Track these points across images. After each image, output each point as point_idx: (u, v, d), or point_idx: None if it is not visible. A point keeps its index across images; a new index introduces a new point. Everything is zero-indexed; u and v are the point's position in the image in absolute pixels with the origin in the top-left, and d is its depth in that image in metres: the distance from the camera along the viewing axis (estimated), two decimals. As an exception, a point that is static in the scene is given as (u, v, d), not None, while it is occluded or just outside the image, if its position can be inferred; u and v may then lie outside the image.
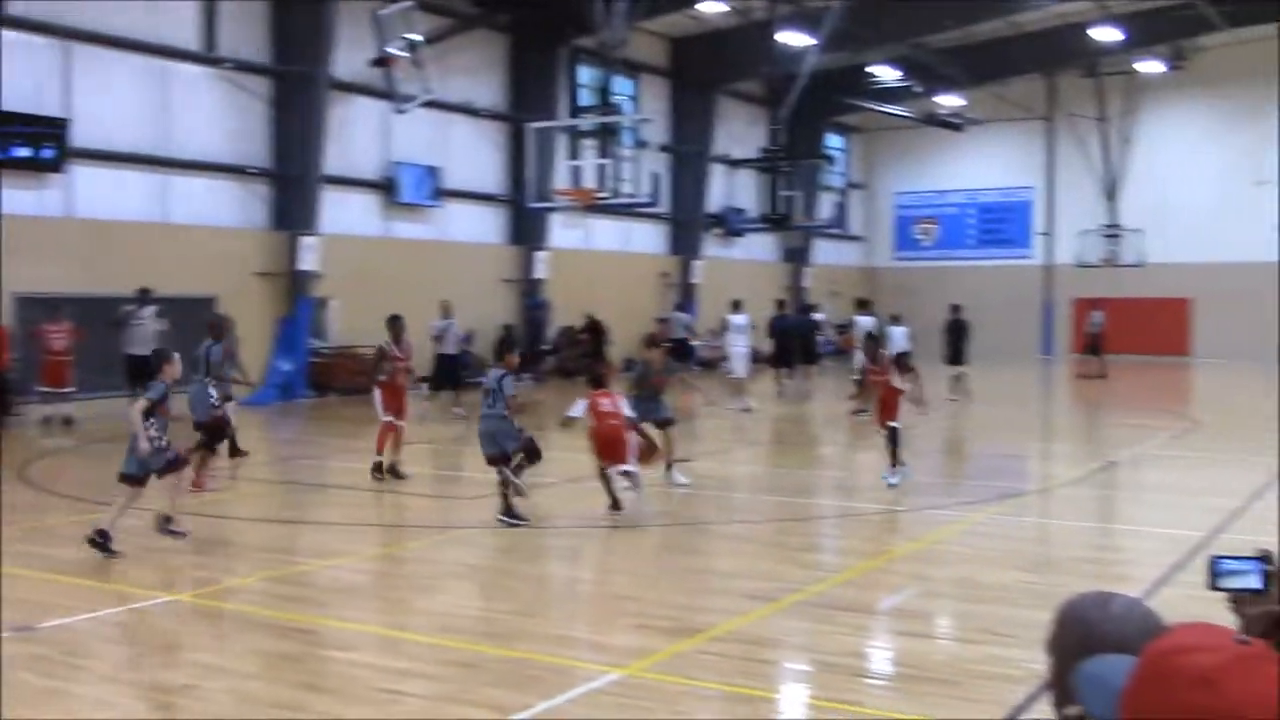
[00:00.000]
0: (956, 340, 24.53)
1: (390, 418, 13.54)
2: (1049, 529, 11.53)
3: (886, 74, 37.27)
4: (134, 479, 9.76)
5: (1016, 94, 40.32)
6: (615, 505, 11.10)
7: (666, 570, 9.60)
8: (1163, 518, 11.63)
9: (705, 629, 7.34)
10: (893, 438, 12.79)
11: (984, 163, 43.40)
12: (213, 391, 13.43)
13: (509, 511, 10.73)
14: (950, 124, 40.17)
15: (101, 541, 9.49)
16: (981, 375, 31.16)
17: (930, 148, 43.58)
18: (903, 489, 12.82)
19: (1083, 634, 2.08)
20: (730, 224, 36.97)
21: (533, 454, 11.14)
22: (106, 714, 5.94)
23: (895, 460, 12.76)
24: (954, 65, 36.84)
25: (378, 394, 13.80)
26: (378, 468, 13.48)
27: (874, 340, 14.17)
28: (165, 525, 9.85)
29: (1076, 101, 40.54)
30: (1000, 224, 43.87)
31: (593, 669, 6.58)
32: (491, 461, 10.93)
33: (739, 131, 37.09)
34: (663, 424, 13.07)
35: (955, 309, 25.47)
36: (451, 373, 21.36)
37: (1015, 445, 18.41)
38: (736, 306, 24.62)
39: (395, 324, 14.15)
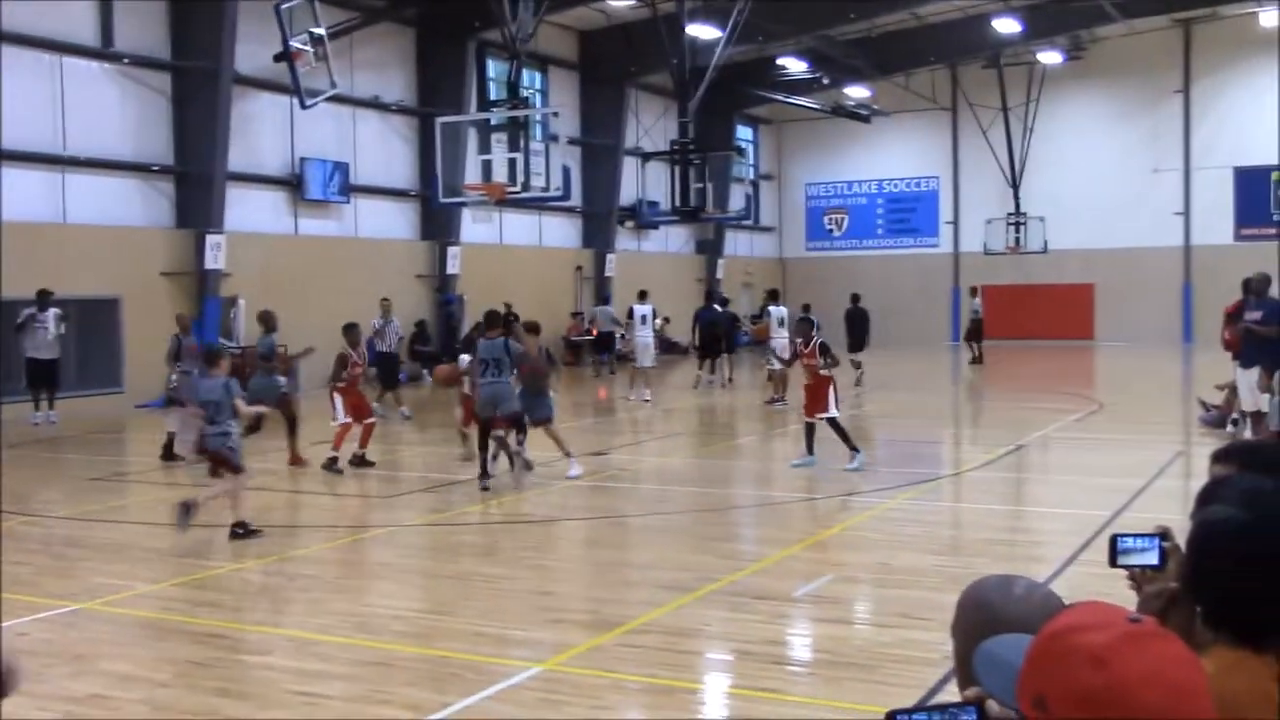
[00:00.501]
0: (856, 329, 25.30)
1: (349, 419, 14.29)
2: (961, 513, 11.73)
3: (794, 66, 37.61)
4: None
5: (921, 85, 40.92)
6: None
7: (583, 564, 9.61)
8: (1070, 498, 11.91)
9: (624, 622, 7.35)
10: (835, 426, 13.36)
11: (891, 153, 44.00)
12: (280, 379, 14.94)
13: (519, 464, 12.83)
14: (857, 115, 40.65)
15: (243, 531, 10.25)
16: (893, 362, 31.62)
17: (839, 139, 44.08)
18: (815, 476, 12.96)
19: (985, 617, 2.12)
20: (642, 217, 36.99)
21: (520, 426, 12.71)
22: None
23: (851, 446, 13.27)
24: (860, 57, 37.30)
25: (337, 398, 14.47)
26: (333, 462, 13.97)
27: (808, 323, 14.03)
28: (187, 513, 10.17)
29: (979, 92, 41.25)
30: (908, 213, 44.51)
31: (512, 665, 6.57)
32: (490, 424, 12.43)
33: (649, 124, 37.15)
34: (540, 423, 13.26)
35: (855, 298, 26.26)
36: (392, 371, 21.04)
37: (926, 431, 18.70)
38: (642, 296, 25.35)
39: (351, 331, 14.97)
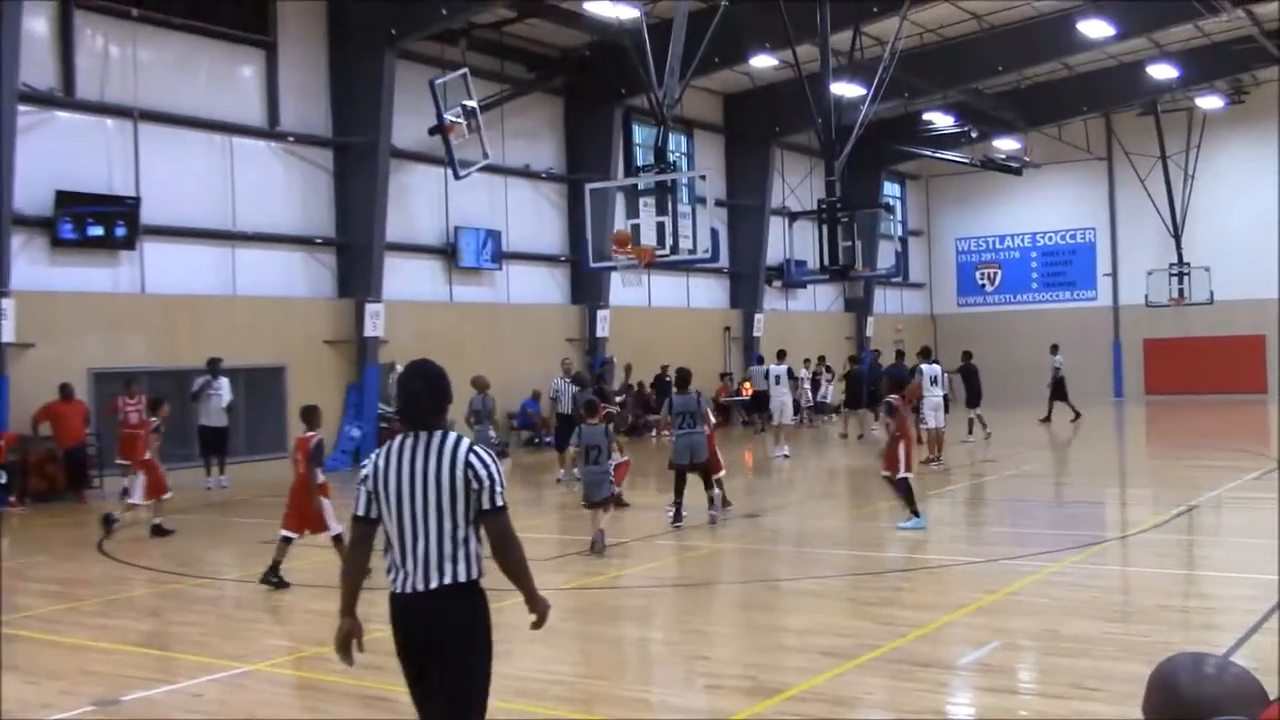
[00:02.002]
0: (971, 385, 25.54)
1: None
2: (1131, 577, 11.29)
3: (941, 120, 37.25)
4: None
5: (1074, 135, 40.07)
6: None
7: (739, 628, 9.52)
8: (1248, 562, 11.34)
9: (783, 689, 7.25)
10: (904, 487, 13.61)
11: (1044, 205, 43.10)
12: (491, 434, 17.78)
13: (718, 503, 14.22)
14: (1008, 168, 39.97)
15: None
16: (1055, 420, 30.74)
17: (989, 192, 43.39)
18: (976, 540, 12.63)
19: (1171, 698, 2.05)
20: (790, 276, 36.95)
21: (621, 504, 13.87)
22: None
23: (914, 510, 13.50)
24: (1009, 109, 36.74)
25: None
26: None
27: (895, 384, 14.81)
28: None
29: (1136, 139, 40.20)
30: (1064, 266, 43.45)
31: (672, 732, 6.52)
32: (686, 471, 13.74)
33: (795, 183, 37.18)
34: (597, 505, 13.02)
35: (966, 355, 26.43)
36: (569, 432, 21.13)
37: (1090, 491, 18.09)
38: (780, 356, 26.34)
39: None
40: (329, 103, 24.71)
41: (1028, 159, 40.01)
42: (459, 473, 4.67)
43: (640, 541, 13.53)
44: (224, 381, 20.73)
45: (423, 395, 4.86)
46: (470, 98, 24.65)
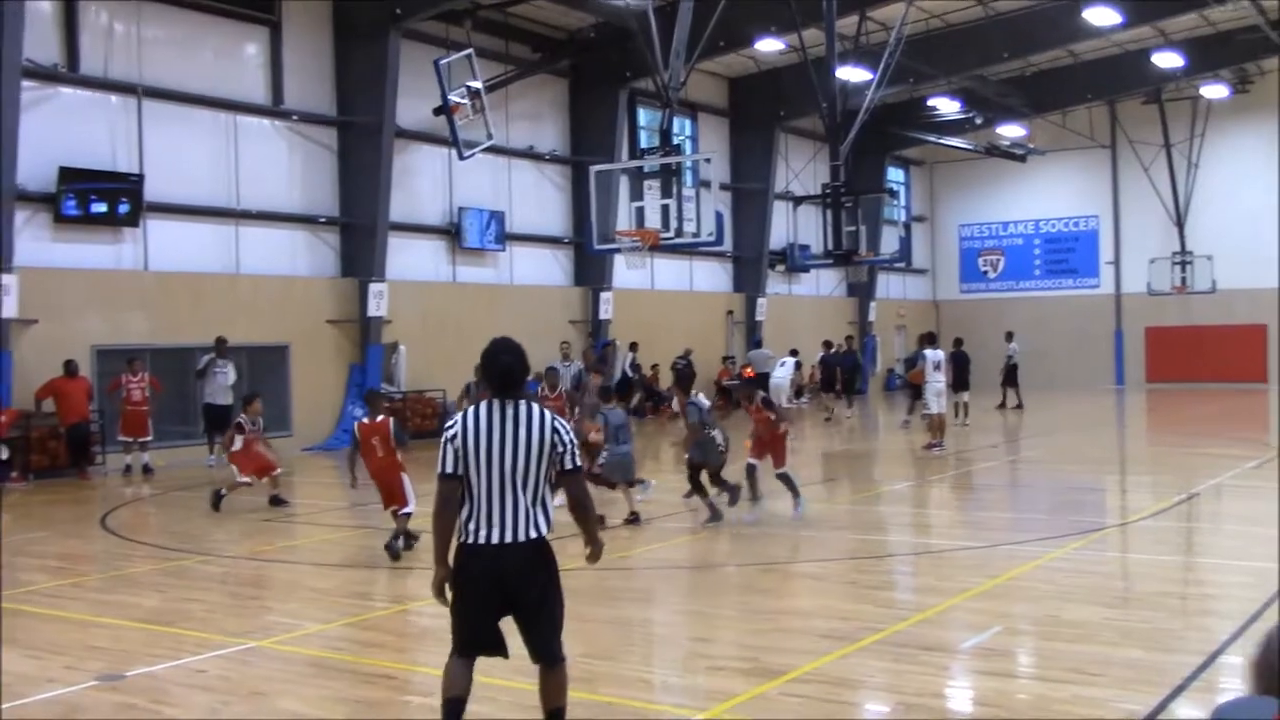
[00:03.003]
0: (960, 370, 25.39)
1: None
2: (1131, 564, 11.31)
3: (946, 106, 37.16)
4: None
5: (1078, 122, 39.99)
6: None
7: (741, 611, 9.53)
8: (1248, 550, 11.36)
9: (785, 670, 7.27)
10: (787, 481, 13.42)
11: (1048, 192, 43.05)
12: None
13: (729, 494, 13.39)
14: (1012, 154, 39.92)
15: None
16: (1051, 407, 30.78)
17: (993, 179, 43.34)
18: (977, 525, 12.64)
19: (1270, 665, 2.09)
20: (794, 261, 36.94)
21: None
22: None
23: (796, 495, 13.39)
24: (1014, 95, 36.65)
25: None
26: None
27: (750, 385, 14.73)
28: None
29: (1140, 128, 40.13)
30: (1067, 254, 43.41)
31: (674, 712, 6.55)
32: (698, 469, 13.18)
33: (800, 168, 37.13)
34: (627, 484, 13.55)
35: (957, 342, 26.70)
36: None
37: (1091, 478, 18.11)
38: (760, 343, 26.88)
39: (551, 374, 16.48)
40: (333, 82, 24.67)
41: (1032, 146, 39.96)
42: (546, 437, 5.38)
43: (641, 525, 13.54)
44: (228, 360, 20.75)
45: (514, 368, 5.52)
46: (475, 78, 24.60)
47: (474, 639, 5.61)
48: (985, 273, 45.09)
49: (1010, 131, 39.88)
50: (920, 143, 40.81)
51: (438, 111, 24.64)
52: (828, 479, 18.65)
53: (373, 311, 24.56)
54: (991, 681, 7.19)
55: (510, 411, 5.39)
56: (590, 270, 30.10)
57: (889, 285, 43.13)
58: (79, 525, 14.18)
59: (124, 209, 20.73)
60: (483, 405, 5.40)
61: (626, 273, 30.75)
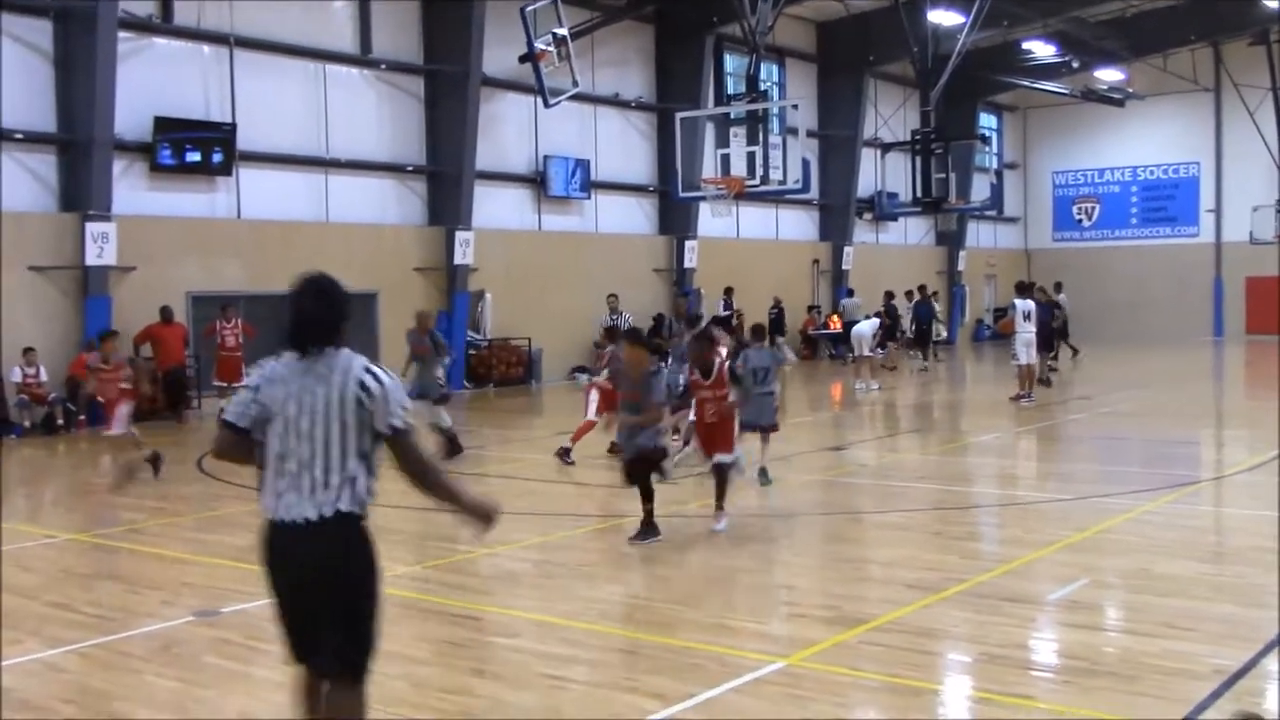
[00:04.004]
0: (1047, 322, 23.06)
1: (596, 419, 14.17)
2: (1225, 518, 11.08)
3: (1041, 50, 36.23)
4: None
5: (1180, 65, 38.75)
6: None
7: (823, 559, 9.52)
8: (1349, 506, 11.04)
9: (867, 619, 7.25)
10: (722, 474, 10.45)
11: (1146, 138, 41.88)
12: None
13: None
14: (1110, 99, 38.85)
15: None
16: (1149, 358, 30.10)
17: (1089, 124, 42.25)
18: (1066, 477, 12.43)
19: None
20: (882, 209, 36.47)
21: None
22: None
23: (721, 503, 10.36)
24: (1113, 38, 35.61)
25: (594, 394, 14.38)
26: (565, 452, 14.24)
27: (704, 341, 11.70)
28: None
29: (1246, 70, 38.77)
30: (1165, 201, 42.27)
31: (754, 659, 6.56)
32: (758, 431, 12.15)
33: (889, 114, 36.54)
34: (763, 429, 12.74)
35: (1057, 287, 26.42)
36: None
37: (1185, 431, 17.72)
38: (850, 293, 27.66)
39: (613, 332, 15.89)
40: (420, 31, 24.75)
41: (1131, 90, 38.82)
42: (350, 393, 4.38)
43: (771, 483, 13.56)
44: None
45: (321, 317, 4.56)
46: (561, 25, 24.52)
47: (292, 642, 4.54)
48: (1079, 221, 44.10)
49: (1108, 75, 38.77)
50: (1013, 87, 39.87)
51: (524, 59, 24.63)
52: (913, 430, 18.48)
53: (459, 260, 24.76)
54: (1078, 634, 7.10)
55: (314, 365, 4.43)
56: (675, 219, 29.99)
57: (979, 234, 42.40)
58: (176, 467, 14.54)
59: (217, 158, 21.08)
60: (285, 358, 4.52)
61: (711, 221, 30.63)
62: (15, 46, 19.07)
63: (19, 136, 19.09)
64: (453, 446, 14.86)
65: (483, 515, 4.76)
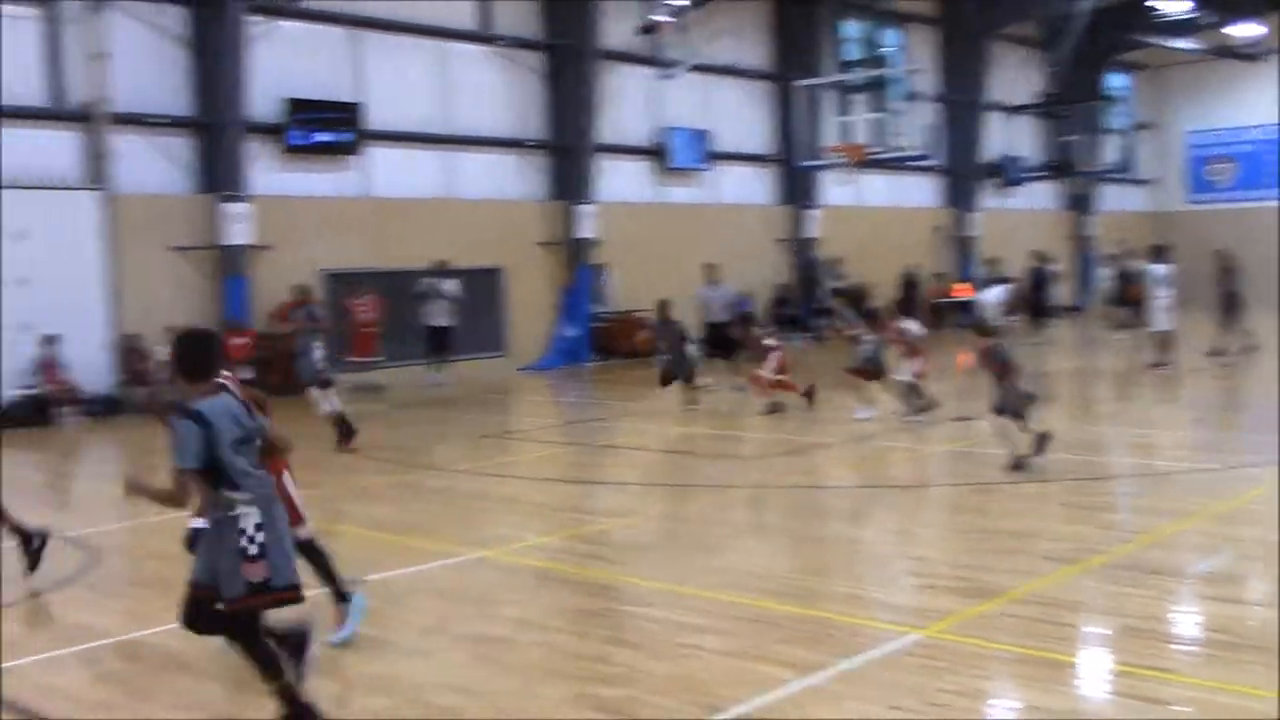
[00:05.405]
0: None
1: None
2: (1377, 488, 10.66)
3: (1173, 6, 34.92)
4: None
5: (1325, 17, 37.02)
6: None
7: (955, 530, 9.45)
8: None
9: (1003, 591, 7.20)
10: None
11: (1289, 94, 40.10)
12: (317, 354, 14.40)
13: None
14: (1246, 55, 37.33)
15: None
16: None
17: (1225, 82, 40.64)
18: (1208, 446, 12.10)
19: None
20: (1008, 174, 35.72)
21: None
22: (430, 663, 6.37)
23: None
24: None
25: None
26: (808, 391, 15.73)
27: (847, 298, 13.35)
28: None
29: (1397, 21, 36.86)
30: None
31: (889, 630, 6.56)
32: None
33: (1014, 77, 35.67)
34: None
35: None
36: (722, 341, 19.18)
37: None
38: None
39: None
40: (540, 6, 24.92)
41: (1269, 45, 37.23)
42: None
43: (855, 443, 13.52)
44: (451, 283, 21.43)
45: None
46: (679, -4, 24.46)
47: None
48: (1215, 182, 42.55)
49: (1245, 30, 37.20)
50: (1145, 46, 38.51)
51: (642, 31, 24.66)
52: (1046, 398, 18.11)
53: (582, 233, 24.97)
54: (1221, 607, 6.95)
55: None
56: (796, 188, 29.77)
57: (1110, 198, 41.22)
58: (317, 440, 14.93)
59: (346, 138, 21.58)
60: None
61: (833, 189, 30.34)
62: (149, 32, 19.74)
63: (155, 120, 19.79)
64: (344, 430, 14.15)
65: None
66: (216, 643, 6.87)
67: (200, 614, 5.33)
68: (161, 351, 19.22)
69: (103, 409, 18.46)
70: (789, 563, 8.61)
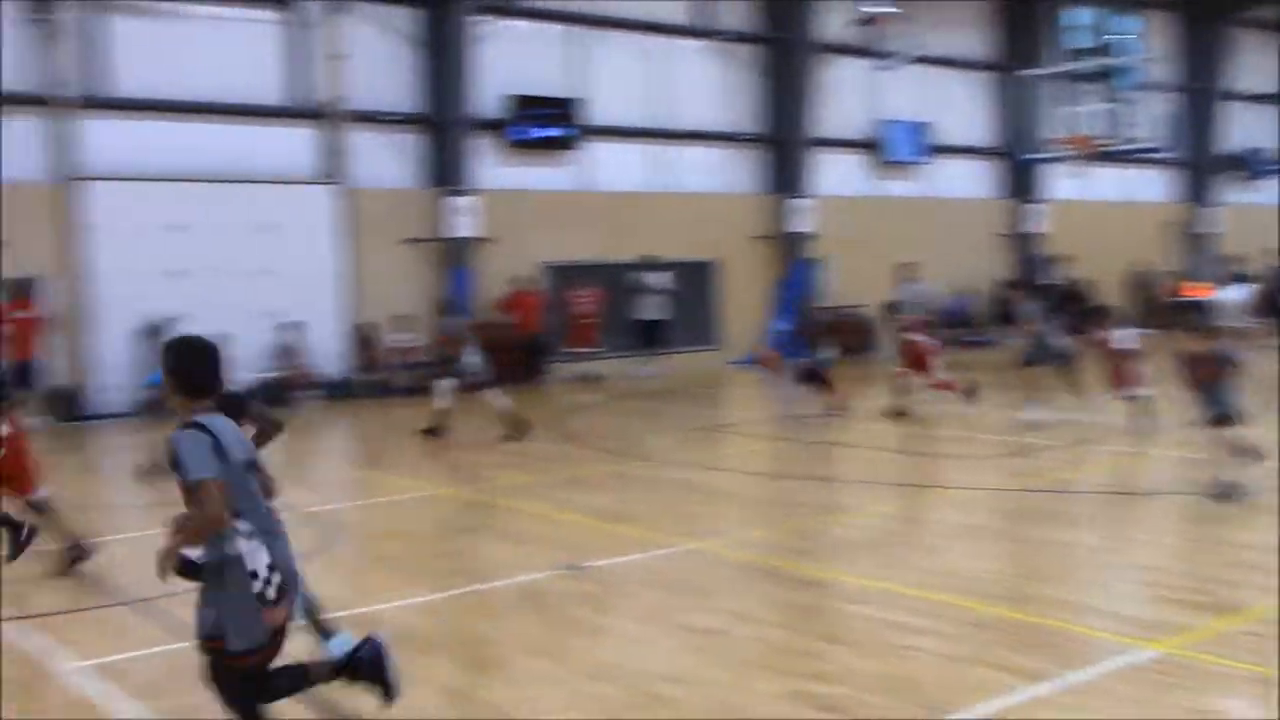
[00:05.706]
0: None
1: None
2: None
3: None
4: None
5: None
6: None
7: (1189, 540, 9.01)
8: None
9: (1243, 607, 6.82)
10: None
11: None
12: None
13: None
14: None
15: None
16: None
17: None
18: None
19: None
20: (1252, 166, 33.78)
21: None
22: (649, 652, 6.45)
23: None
24: None
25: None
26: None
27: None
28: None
29: None
30: None
31: (1120, 642, 6.30)
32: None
33: (1258, 64, 33.66)
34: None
35: None
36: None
37: None
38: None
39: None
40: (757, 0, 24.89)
41: None
42: None
43: (1080, 445, 13.06)
44: (664, 276, 21.67)
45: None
46: (900, -12, 24.06)
47: None
48: None
49: None
50: None
51: (859, 23, 24.34)
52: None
53: (797, 227, 24.83)
54: None
55: None
56: (1020, 182, 28.85)
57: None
58: (538, 429, 15.28)
59: (568, 133, 22.05)
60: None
61: (1059, 183, 29.30)
62: (383, 33, 20.59)
63: (387, 118, 20.64)
64: (433, 430, 14.56)
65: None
66: (455, 620, 7.19)
67: (230, 673, 4.60)
68: (393, 339, 20.09)
69: (338, 393, 19.38)
70: (1006, 565, 8.38)
